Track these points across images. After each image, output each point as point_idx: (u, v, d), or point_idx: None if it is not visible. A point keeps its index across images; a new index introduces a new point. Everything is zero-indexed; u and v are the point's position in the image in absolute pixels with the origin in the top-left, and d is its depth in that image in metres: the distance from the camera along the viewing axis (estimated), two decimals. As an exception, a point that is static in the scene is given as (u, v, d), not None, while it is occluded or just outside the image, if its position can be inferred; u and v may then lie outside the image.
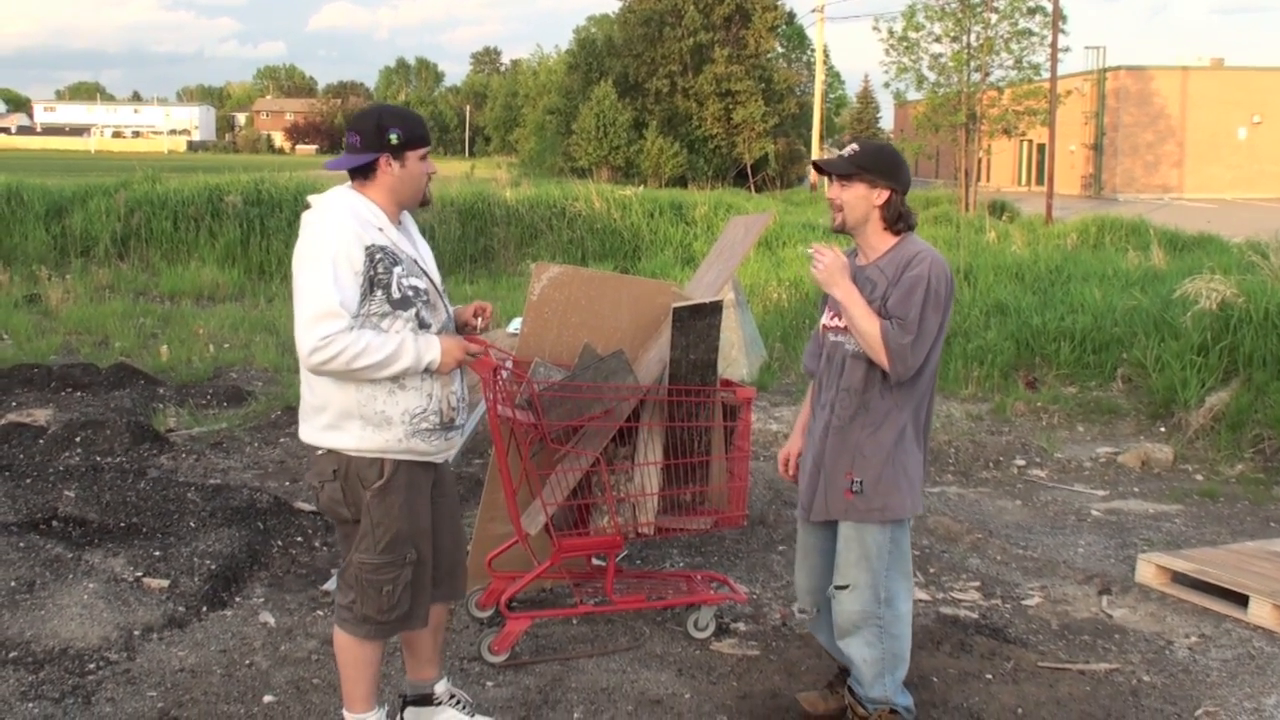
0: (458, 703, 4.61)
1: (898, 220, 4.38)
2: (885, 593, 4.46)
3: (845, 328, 4.40)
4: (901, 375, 4.26)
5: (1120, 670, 5.37)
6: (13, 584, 5.82)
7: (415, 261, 4.14)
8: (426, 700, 4.57)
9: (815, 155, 50.49)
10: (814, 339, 4.73)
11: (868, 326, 4.25)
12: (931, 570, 6.64)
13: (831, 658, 4.98)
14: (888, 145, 4.64)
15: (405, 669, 4.61)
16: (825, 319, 4.59)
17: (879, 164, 4.37)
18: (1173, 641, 5.72)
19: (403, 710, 4.60)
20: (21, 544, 6.27)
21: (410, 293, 4.05)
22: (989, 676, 5.24)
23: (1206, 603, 6.13)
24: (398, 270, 4.03)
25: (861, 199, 4.35)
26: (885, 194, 4.35)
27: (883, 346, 4.23)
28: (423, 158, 4.13)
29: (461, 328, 4.40)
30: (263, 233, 19.98)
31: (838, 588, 4.48)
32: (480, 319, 4.42)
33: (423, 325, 4.09)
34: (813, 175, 49.66)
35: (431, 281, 4.19)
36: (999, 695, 5.05)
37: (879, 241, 4.41)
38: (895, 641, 4.52)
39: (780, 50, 59.17)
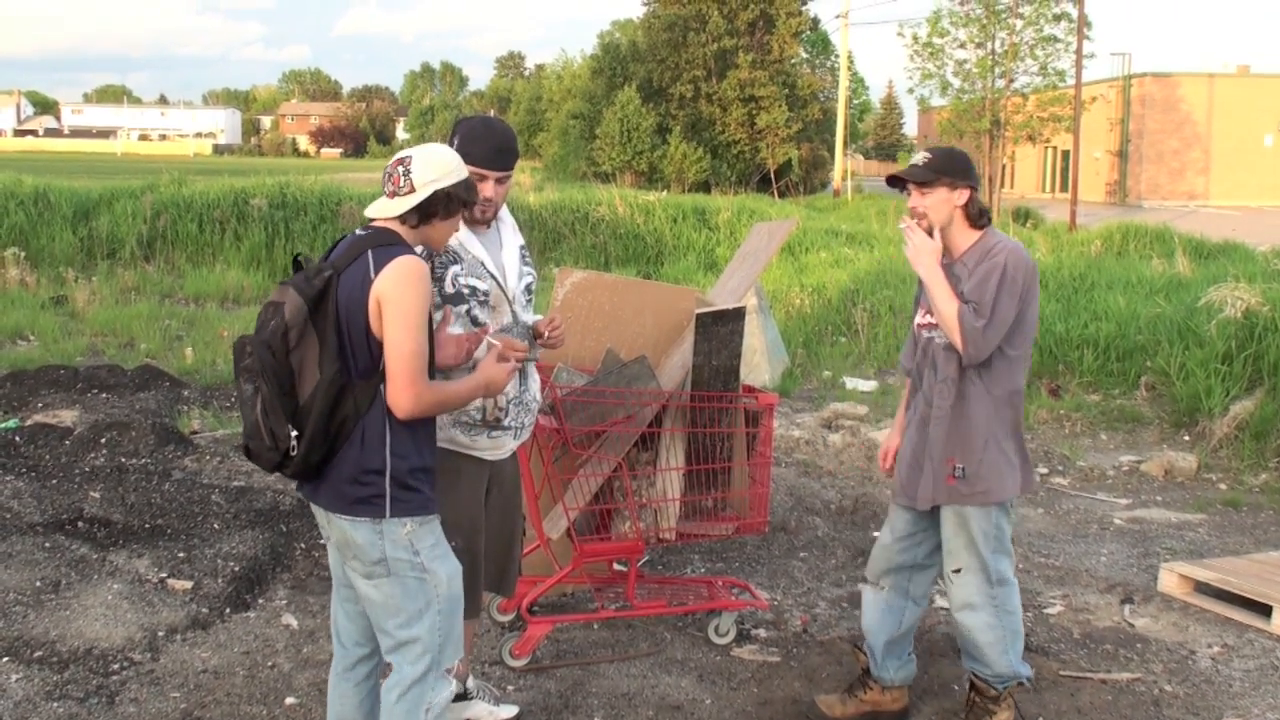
0: (484, 696, 4.69)
1: (980, 215, 4.55)
2: (996, 574, 4.62)
3: (934, 324, 4.57)
4: (973, 358, 4.42)
5: (1142, 680, 5.36)
6: (38, 584, 5.87)
7: (481, 263, 4.20)
8: (461, 696, 4.61)
9: (839, 161, 50.45)
10: (910, 339, 4.87)
11: (947, 308, 4.41)
12: (953, 578, 6.62)
13: (858, 651, 5.04)
14: (956, 147, 4.76)
15: None
16: (919, 318, 4.74)
17: (955, 165, 4.53)
18: (1195, 651, 5.70)
19: None
20: (47, 544, 6.31)
21: (465, 290, 4.14)
22: (1010, 685, 5.23)
23: (1229, 613, 6.10)
24: (455, 269, 4.13)
25: (944, 202, 4.51)
26: (966, 193, 4.51)
27: (958, 328, 4.39)
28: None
29: (537, 336, 4.42)
30: (287, 236, 20.06)
31: (953, 572, 4.65)
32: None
33: (476, 324, 4.15)
34: (836, 181, 49.63)
35: (498, 284, 4.23)
36: (1020, 704, 5.04)
37: (963, 239, 4.56)
38: (1011, 617, 4.67)
39: (804, 56, 59.08)
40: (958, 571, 4.63)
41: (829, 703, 4.96)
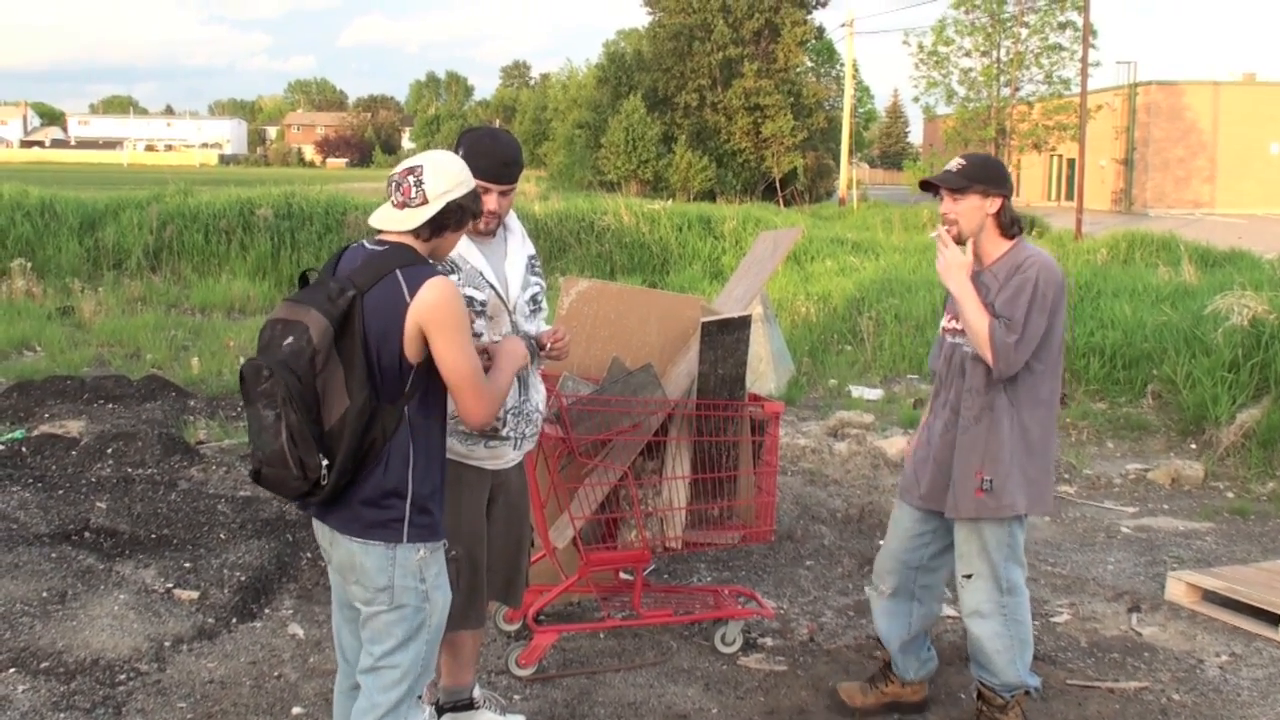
0: (491, 705, 4.68)
1: (1011, 225, 4.54)
2: (1007, 582, 4.62)
3: (962, 330, 4.57)
4: (1004, 373, 4.41)
5: (1150, 689, 5.34)
6: (45, 595, 5.87)
7: (480, 273, 4.21)
8: (468, 705, 4.61)
9: (844, 169, 50.52)
10: (938, 341, 4.88)
11: (977, 323, 4.40)
12: (960, 586, 6.61)
13: (879, 647, 5.09)
14: (991, 155, 4.76)
15: (442, 676, 4.62)
16: (945, 321, 4.75)
17: (989, 173, 4.51)
18: (1203, 660, 5.69)
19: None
20: (53, 555, 6.32)
21: None
22: (1017, 694, 5.22)
23: (1237, 621, 6.09)
24: (451, 278, 4.07)
25: (976, 209, 4.50)
26: (998, 201, 4.51)
27: (989, 343, 4.37)
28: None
29: (540, 348, 4.40)
30: (293, 246, 20.07)
31: (964, 577, 4.67)
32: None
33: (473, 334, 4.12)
34: (841, 189, 49.68)
35: (498, 294, 4.24)
36: (1027, 713, 5.03)
37: (994, 247, 4.56)
38: (1020, 627, 4.68)
39: (809, 64, 59.12)
40: (968, 577, 4.64)
41: (850, 691, 5.03)
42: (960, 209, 4.50)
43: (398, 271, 3.42)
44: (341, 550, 3.55)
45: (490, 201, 4.16)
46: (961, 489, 4.55)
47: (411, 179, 3.53)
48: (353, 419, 3.35)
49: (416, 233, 3.53)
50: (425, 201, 3.50)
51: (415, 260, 3.49)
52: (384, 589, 3.52)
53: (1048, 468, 4.63)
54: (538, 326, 4.41)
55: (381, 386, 3.41)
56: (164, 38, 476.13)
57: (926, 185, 4.67)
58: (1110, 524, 7.98)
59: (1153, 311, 12.59)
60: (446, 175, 3.54)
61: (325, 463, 3.36)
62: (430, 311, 3.37)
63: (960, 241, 4.54)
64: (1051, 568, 6.99)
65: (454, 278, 4.12)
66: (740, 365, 5.43)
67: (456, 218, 3.57)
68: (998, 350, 4.36)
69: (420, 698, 3.71)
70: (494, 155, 4.18)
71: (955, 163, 4.58)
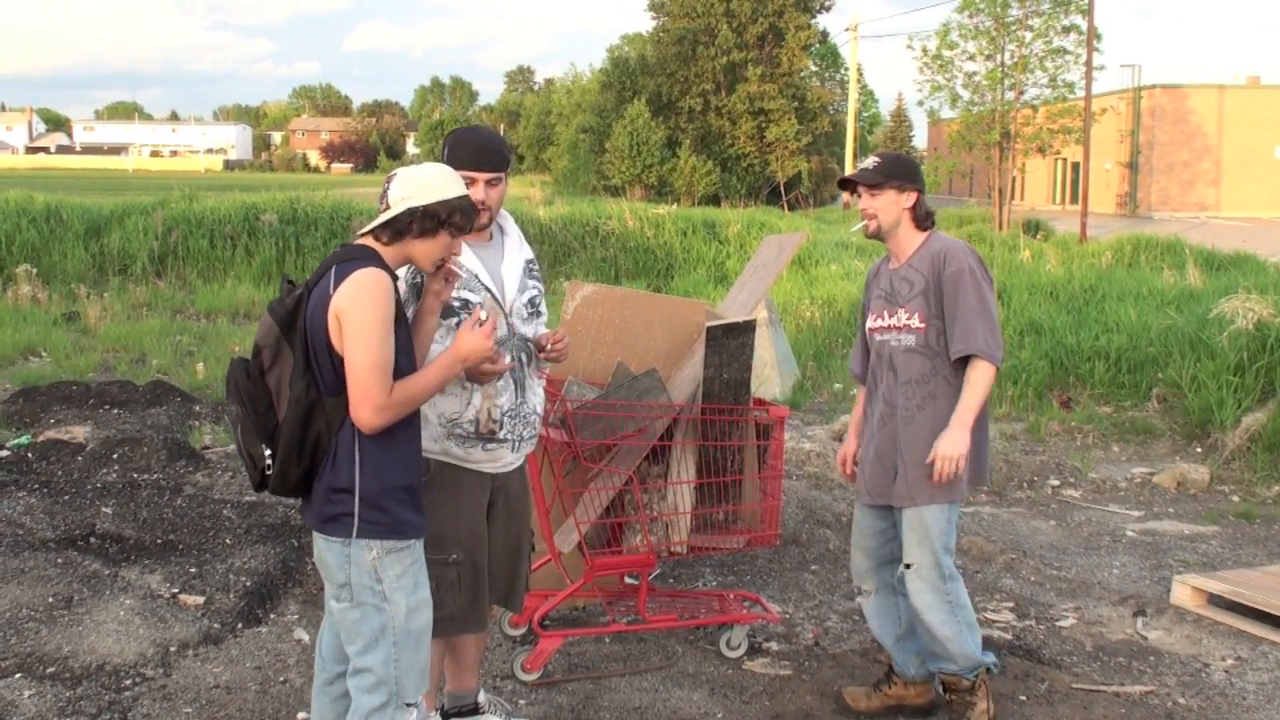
0: (496, 710, 4.68)
1: (926, 218, 4.74)
2: (946, 569, 4.72)
3: (890, 327, 4.72)
4: (1000, 357, 4.56)
5: (1155, 693, 5.34)
6: (50, 600, 5.88)
7: (475, 276, 4.20)
8: (473, 710, 4.61)
9: (849, 173, 50.47)
10: (859, 343, 5.02)
11: (978, 375, 4.53)
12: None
13: (879, 650, 5.14)
14: (904, 153, 4.93)
15: (446, 681, 4.62)
16: (870, 322, 4.86)
17: (903, 170, 4.73)
18: (1209, 664, 5.68)
19: None
20: (59, 560, 6.33)
21: (455, 303, 4.12)
22: (1023, 698, 5.22)
23: (1242, 625, 6.08)
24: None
25: (892, 204, 4.70)
26: (914, 195, 4.70)
27: (985, 357, 4.52)
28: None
29: (539, 349, 4.38)
30: (298, 251, 20.11)
31: (905, 567, 4.75)
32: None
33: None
34: (846, 194, 49.64)
35: (494, 297, 4.23)
36: (1033, 717, 5.03)
37: (910, 241, 4.75)
38: (964, 610, 4.77)
39: (814, 69, 59.12)
40: (909, 567, 4.73)
41: (855, 695, 5.08)
42: (878, 204, 4.70)
43: (333, 267, 3.55)
44: (315, 544, 3.70)
45: (477, 192, 4.18)
46: (914, 476, 4.65)
47: (385, 185, 3.69)
48: (290, 410, 3.49)
49: (375, 235, 3.63)
50: (387, 207, 3.63)
51: (357, 257, 3.56)
52: (343, 585, 3.62)
53: (983, 440, 4.75)
54: (536, 330, 4.41)
55: (320, 379, 3.50)
56: (168, 44, 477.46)
57: (845, 183, 4.91)
58: (1115, 528, 7.97)
59: (1157, 315, 12.59)
60: (409, 183, 3.64)
61: (269, 453, 3.53)
62: (344, 302, 3.45)
63: (878, 236, 4.76)
64: (1057, 571, 6.99)
65: None
66: (745, 369, 5.43)
67: (422, 225, 3.60)
68: (986, 354, 4.51)
69: (412, 705, 3.72)
70: (473, 145, 4.26)
71: (871, 160, 4.80)
